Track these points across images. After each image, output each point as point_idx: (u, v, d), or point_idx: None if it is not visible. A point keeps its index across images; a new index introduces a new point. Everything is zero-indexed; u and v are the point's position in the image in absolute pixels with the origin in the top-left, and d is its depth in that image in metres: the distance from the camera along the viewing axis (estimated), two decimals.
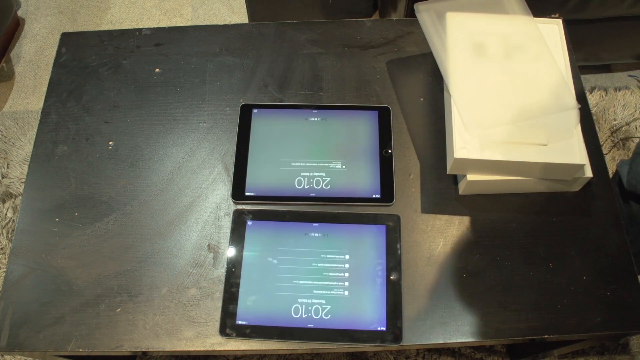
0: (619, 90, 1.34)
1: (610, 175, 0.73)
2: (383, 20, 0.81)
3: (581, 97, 0.70)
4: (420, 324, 0.59)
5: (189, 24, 1.53)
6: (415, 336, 0.58)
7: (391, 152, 0.68)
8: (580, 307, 0.60)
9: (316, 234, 0.62)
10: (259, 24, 0.80)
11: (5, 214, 1.20)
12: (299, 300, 0.59)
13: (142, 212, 0.65)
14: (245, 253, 0.62)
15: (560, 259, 0.62)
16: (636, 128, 1.28)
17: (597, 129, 0.70)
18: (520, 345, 0.98)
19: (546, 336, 0.58)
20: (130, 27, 1.01)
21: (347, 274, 0.60)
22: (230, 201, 0.66)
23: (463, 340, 0.58)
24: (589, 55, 1.27)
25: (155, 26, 1.13)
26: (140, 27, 0.92)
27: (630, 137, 1.26)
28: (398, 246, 0.62)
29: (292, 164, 0.67)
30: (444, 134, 0.70)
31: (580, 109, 0.62)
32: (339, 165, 0.67)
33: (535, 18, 0.68)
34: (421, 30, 0.69)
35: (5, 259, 1.15)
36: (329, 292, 0.60)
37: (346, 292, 0.60)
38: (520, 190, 0.66)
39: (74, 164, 0.69)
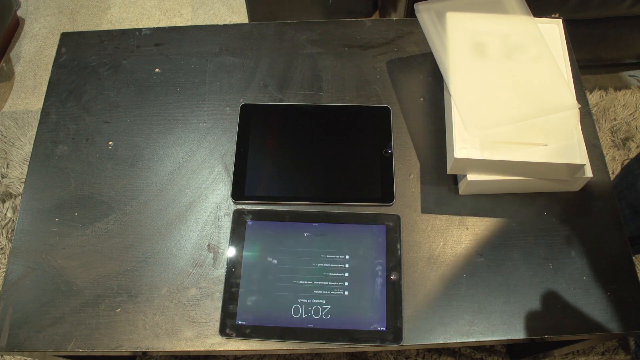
0: (619, 90, 1.34)
1: (611, 173, 0.73)
2: (383, 20, 0.81)
3: (581, 97, 0.70)
4: (420, 324, 0.59)
5: (189, 24, 1.53)
6: (415, 336, 0.58)
7: (391, 152, 0.68)
8: (580, 307, 0.60)
9: (316, 234, 0.62)
10: (259, 24, 0.80)
11: (5, 214, 1.20)
12: (299, 300, 0.59)
13: (142, 212, 0.65)
14: (245, 253, 0.62)
15: (560, 259, 0.62)
16: (636, 128, 1.28)
17: (597, 129, 0.70)
18: (520, 345, 0.98)
19: (546, 336, 0.58)
20: (130, 27, 1.01)
21: (347, 274, 0.60)
22: (230, 201, 0.66)
23: (463, 340, 0.58)
24: (589, 55, 1.27)
25: (155, 26, 1.13)
26: (140, 27, 0.92)
27: (630, 137, 1.26)
28: (398, 246, 0.62)
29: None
30: (444, 134, 0.70)
31: (580, 109, 0.62)
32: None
33: (535, 18, 0.68)
34: (421, 30, 0.69)
35: (5, 259, 1.15)
36: (329, 292, 0.60)
37: (346, 292, 0.60)
38: (520, 190, 0.66)
39: (74, 164, 0.69)
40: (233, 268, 0.61)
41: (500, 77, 0.64)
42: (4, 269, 1.01)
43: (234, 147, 0.69)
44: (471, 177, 0.62)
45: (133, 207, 0.66)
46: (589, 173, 0.62)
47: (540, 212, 0.65)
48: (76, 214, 0.65)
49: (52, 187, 0.67)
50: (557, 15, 0.73)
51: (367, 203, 0.65)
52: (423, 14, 0.69)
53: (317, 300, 0.59)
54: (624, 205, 0.88)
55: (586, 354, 1.01)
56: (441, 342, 0.58)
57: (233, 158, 0.68)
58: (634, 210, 0.88)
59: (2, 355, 0.94)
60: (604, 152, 0.74)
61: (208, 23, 1.52)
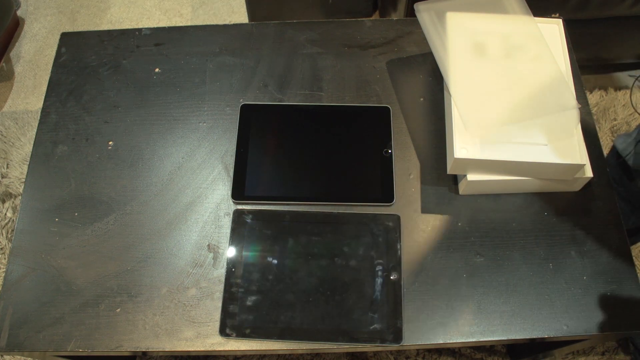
0: (619, 90, 1.34)
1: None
2: (383, 20, 0.81)
3: (581, 97, 0.70)
4: (420, 324, 0.59)
5: (189, 23, 1.53)
6: (415, 336, 0.58)
7: (391, 152, 0.68)
8: (580, 307, 0.60)
9: (316, 234, 0.62)
10: (259, 24, 0.80)
11: (5, 214, 1.20)
12: (299, 300, 0.59)
13: (142, 212, 0.65)
14: (245, 253, 0.62)
15: (560, 259, 0.62)
16: None
17: (597, 129, 0.70)
18: (520, 345, 0.98)
19: (546, 336, 0.58)
20: (130, 27, 1.01)
21: (347, 274, 0.60)
22: (230, 201, 0.66)
23: (463, 340, 0.58)
24: (589, 55, 1.27)
25: (155, 26, 1.13)
26: (140, 27, 0.92)
27: None
28: (398, 246, 0.62)
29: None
30: (444, 134, 0.70)
31: (580, 109, 0.62)
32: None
33: (535, 18, 0.68)
34: (421, 30, 0.69)
35: (5, 259, 1.15)
36: (329, 292, 0.60)
37: (346, 292, 0.60)
38: (520, 190, 0.66)
39: (74, 164, 0.69)
40: (233, 268, 0.61)
41: (501, 77, 0.64)
42: (4, 269, 1.01)
43: (234, 147, 0.69)
44: (471, 177, 0.62)
45: (133, 207, 0.66)
46: (589, 173, 0.62)
47: (540, 212, 0.65)
48: (76, 214, 0.65)
49: (52, 187, 0.67)
50: (557, 15, 0.73)
51: (367, 203, 0.65)
52: (423, 14, 0.69)
53: (318, 300, 0.59)
54: (619, 199, 0.89)
55: (586, 354, 1.01)
56: (441, 342, 0.58)
57: (233, 158, 0.68)
58: (630, 203, 0.89)
59: (2, 355, 0.94)
60: (604, 152, 0.74)
61: (208, 23, 1.52)
